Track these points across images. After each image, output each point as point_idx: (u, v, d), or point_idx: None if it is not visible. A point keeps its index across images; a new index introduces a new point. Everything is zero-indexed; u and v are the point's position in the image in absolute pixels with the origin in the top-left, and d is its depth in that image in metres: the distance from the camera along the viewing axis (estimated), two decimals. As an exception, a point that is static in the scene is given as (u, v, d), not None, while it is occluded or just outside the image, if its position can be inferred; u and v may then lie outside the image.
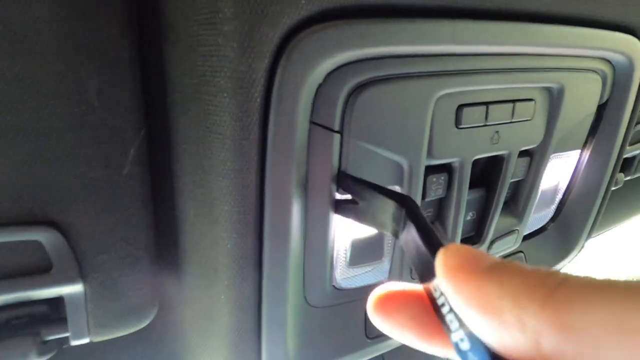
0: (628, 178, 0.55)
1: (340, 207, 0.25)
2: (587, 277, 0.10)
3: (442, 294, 0.13)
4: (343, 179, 0.24)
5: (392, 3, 0.20)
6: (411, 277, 0.31)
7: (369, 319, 0.33)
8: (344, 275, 0.30)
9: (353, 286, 0.30)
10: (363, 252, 0.29)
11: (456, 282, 0.11)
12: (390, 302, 0.14)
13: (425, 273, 0.14)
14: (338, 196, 0.25)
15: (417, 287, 0.15)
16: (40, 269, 0.21)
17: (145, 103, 0.21)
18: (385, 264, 0.31)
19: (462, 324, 0.12)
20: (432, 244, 0.15)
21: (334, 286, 0.29)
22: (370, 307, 0.15)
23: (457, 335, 0.12)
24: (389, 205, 0.20)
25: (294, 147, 0.21)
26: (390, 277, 0.31)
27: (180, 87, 0.20)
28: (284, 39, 0.19)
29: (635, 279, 0.09)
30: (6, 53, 0.17)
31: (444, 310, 0.13)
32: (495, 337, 0.10)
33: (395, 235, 0.20)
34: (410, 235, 0.17)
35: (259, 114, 0.19)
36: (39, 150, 0.19)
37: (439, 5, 0.22)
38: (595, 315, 0.09)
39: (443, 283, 0.12)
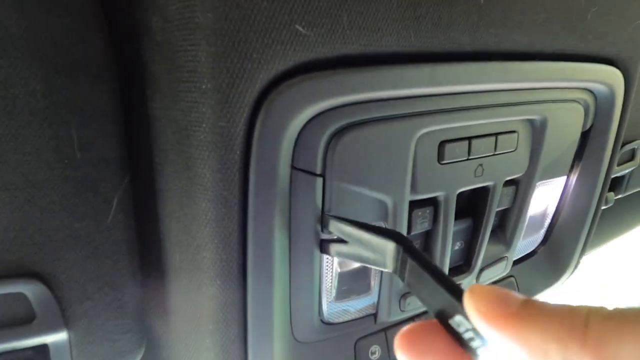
0: (619, 196, 0.55)
1: (327, 247, 0.25)
2: (607, 309, 0.11)
3: (468, 329, 0.14)
4: (329, 221, 0.24)
5: (367, 52, 0.21)
6: (400, 309, 0.31)
7: (358, 353, 0.33)
8: (332, 310, 0.30)
9: (341, 320, 0.30)
10: (350, 285, 0.30)
11: (496, 329, 0.13)
12: (416, 342, 0.15)
13: (444, 311, 0.15)
14: (325, 236, 0.25)
15: (434, 323, 0.16)
16: (23, 320, 0.21)
17: (128, 151, 0.22)
18: (373, 296, 0.31)
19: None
20: (448, 284, 0.16)
21: (321, 320, 0.30)
22: (398, 349, 0.16)
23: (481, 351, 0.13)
24: (383, 244, 0.20)
25: (276, 193, 0.21)
26: (379, 309, 0.31)
27: (163, 137, 0.21)
28: (261, 93, 0.19)
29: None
30: (3, 123, 0.17)
31: (474, 344, 0.14)
32: None
33: (395, 272, 0.20)
34: (416, 273, 0.18)
35: (239, 165, 0.20)
36: (23, 204, 0.19)
37: (416, 51, 0.23)
38: (630, 347, 0.10)
39: (484, 329, 0.13)
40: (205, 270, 0.21)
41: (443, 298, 0.16)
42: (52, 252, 0.20)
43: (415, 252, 0.19)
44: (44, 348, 0.23)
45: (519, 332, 0.12)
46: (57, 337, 0.22)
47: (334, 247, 0.25)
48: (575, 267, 0.46)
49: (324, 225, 0.24)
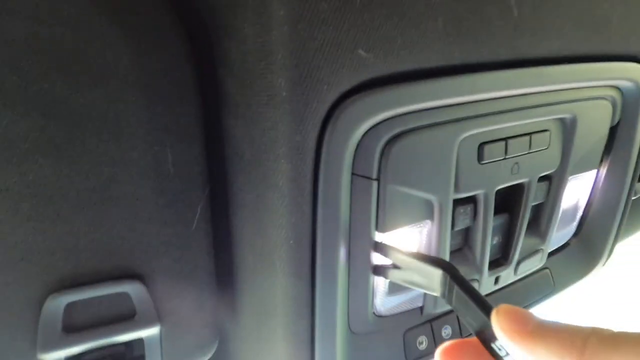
0: (647, 187, 0.56)
1: (383, 271, 0.28)
2: (608, 331, 0.13)
3: (507, 353, 0.16)
4: (383, 248, 0.27)
5: (416, 68, 0.24)
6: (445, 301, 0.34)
7: (407, 343, 0.35)
8: (384, 303, 0.32)
9: (392, 313, 0.33)
10: (400, 281, 0.32)
11: (514, 342, 0.15)
12: (455, 353, 0.18)
13: (481, 329, 0.18)
14: (378, 262, 0.28)
15: (473, 340, 0.18)
16: (126, 316, 0.24)
17: (208, 166, 0.25)
18: (420, 290, 0.33)
19: None
20: (485, 305, 0.18)
21: (374, 313, 0.32)
22: (438, 357, 0.18)
23: None
24: (432, 272, 0.23)
25: (340, 197, 0.24)
26: (425, 302, 0.34)
27: (239, 152, 0.24)
28: (329, 110, 0.22)
29: None
30: (106, 141, 0.21)
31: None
32: None
33: (443, 296, 0.23)
34: (460, 297, 0.20)
35: (311, 174, 0.22)
36: (129, 216, 0.22)
37: (458, 64, 0.25)
38: None
39: (505, 342, 0.16)
40: (280, 269, 0.24)
41: (482, 320, 0.18)
42: (149, 256, 0.24)
43: (460, 278, 0.21)
44: (140, 342, 0.26)
45: (531, 347, 0.15)
46: (151, 332, 0.25)
47: (389, 272, 0.28)
48: (608, 256, 0.47)
49: (379, 252, 0.27)
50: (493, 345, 0.17)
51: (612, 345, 0.13)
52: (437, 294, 0.23)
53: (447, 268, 0.22)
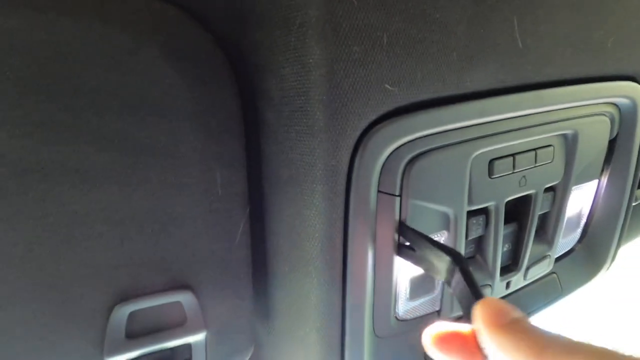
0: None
1: (402, 251, 0.30)
2: (566, 340, 0.15)
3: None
4: (405, 230, 0.29)
5: (433, 97, 0.27)
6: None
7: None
8: (405, 308, 0.35)
9: (412, 317, 0.35)
10: (420, 287, 0.35)
11: (487, 332, 0.17)
12: (444, 338, 0.19)
13: (471, 313, 0.19)
14: (401, 241, 0.30)
15: (460, 326, 0.20)
16: (178, 323, 0.27)
17: (249, 187, 0.28)
18: (437, 295, 0.36)
19: None
20: (479, 296, 0.20)
21: (396, 318, 0.35)
22: (428, 342, 0.20)
23: None
24: (444, 258, 0.25)
25: (368, 213, 0.27)
26: (442, 306, 0.36)
27: (278, 174, 0.27)
28: (360, 136, 0.25)
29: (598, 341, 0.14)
30: (166, 168, 0.24)
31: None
32: None
33: (447, 283, 0.25)
34: (461, 287, 0.22)
35: (343, 192, 0.25)
36: (183, 233, 0.25)
37: (470, 92, 0.28)
38: None
39: (480, 329, 0.17)
40: (315, 278, 0.27)
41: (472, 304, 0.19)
42: (198, 268, 0.26)
43: (464, 268, 0.23)
44: (185, 347, 0.28)
45: (501, 340, 0.16)
46: (198, 338, 0.28)
47: (407, 252, 0.30)
48: (612, 261, 0.50)
49: (401, 234, 0.30)
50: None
51: (567, 352, 0.14)
52: (441, 278, 0.25)
53: (455, 256, 0.24)
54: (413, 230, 0.29)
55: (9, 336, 0.21)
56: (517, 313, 0.17)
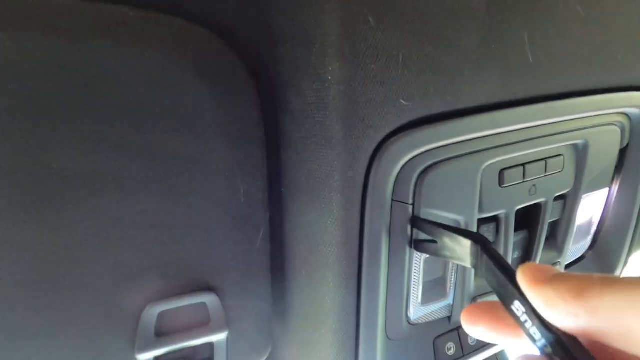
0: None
1: (421, 245, 0.31)
2: (604, 277, 0.16)
3: (523, 312, 0.18)
4: (422, 224, 0.30)
5: (445, 111, 0.28)
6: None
7: (436, 349, 0.39)
8: (417, 312, 0.36)
9: (423, 321, 0.36)
10: (432, 292, 0.36)
11: (531, 289, 0.18)
12: (476, 312, 0.20)
13: (506, 296, 0.19)
14: (419, 237, 0.31)
15: (496, 302, 0.20)
16: (202, 323, 0.28)
17: (269, 195, 0.29)
18: (449, 300, 0.37)
19: (536, 325, 0.17)
20: (508, 272, 0.20)
21: (408, 321, 0.36)
22: (464, 317, 0.21)
23: (533, 330, 0.18)
24: (465, 243, 0.25)
25: (383, 221, 0.28)
26: (453, 311, 0.37)
27: (296, 183, 0.28)
28: (375, 149, 0.26)
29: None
30: (195, 177, 0.25)
31: (527, 325, 0.18)
32: (557, 320, 0.17)
33: (474, 267, 0.25)
34: (489, 267, 0.22)
35: (359, 201, 0.27)
36: (209, 238, 0.27)
37: (480, 105, 0.29)
38: (608, 302, 0.15)
39: (525, 289, 0.18)
40: (332, 282, 0.28)
41: (506, 285, 0.19)
42: (222, 271, 0.28)
43: (489, 249, 0.23)
44: (210, 345, 0.30)
45: (544, 292, 0.17)
46: (220, 337, 0.29)
47: (427, 246, 0.31)
48: (623, 268, 0.50)
49: (418, 229, 0.30)
50: (512, 307, 0.18)
51: (607, 285, 0.15)
52: (468, 264, 0.25)
53: (478, 239, 0.24)
54: (430, 222, 0.29)
55: (52, 331, 0.23)
56: (556, 270, 0.18)
